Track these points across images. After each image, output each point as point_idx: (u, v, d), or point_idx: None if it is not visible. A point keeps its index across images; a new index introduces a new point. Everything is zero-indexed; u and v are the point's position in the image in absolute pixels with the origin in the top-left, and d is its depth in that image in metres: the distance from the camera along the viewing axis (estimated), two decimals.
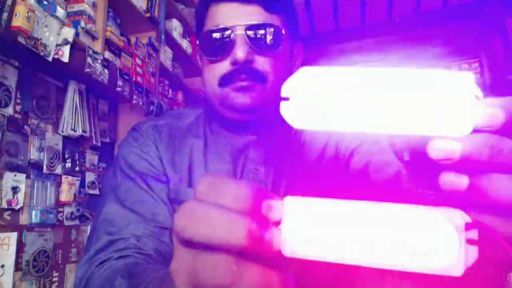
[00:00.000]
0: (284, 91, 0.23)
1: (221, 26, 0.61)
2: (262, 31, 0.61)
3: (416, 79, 0.21)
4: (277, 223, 0.22)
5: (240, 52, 0.59)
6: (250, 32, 0.60)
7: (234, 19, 0.61)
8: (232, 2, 0.62)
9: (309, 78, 0.23)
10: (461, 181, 0.21)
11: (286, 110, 0.23)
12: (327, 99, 0.22)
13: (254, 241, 0.21)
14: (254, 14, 0.61)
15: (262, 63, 0.61)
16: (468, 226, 0.20)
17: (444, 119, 0.20)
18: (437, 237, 0.20)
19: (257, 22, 0.61)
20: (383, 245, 0.20)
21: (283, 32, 0.63)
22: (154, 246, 0.56)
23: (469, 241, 0.20)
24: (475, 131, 0.21)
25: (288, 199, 0.22)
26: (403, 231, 0.20)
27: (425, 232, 0.20)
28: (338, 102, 0.22)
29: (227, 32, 0.60)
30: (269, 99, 0.63)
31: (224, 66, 0.62)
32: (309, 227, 0.21)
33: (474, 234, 0.20)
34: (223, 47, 0.61)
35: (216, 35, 0.61)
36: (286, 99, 0.23)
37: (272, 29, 0.61)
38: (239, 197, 0.22)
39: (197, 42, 0.73)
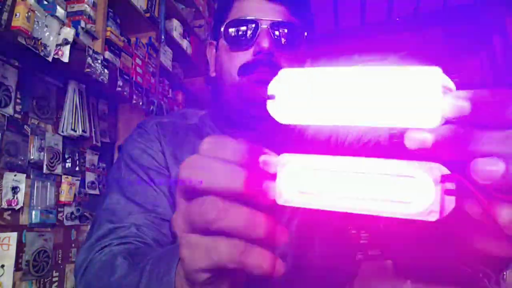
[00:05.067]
0: (270, 90, 0.25)
1: (248, 18, 0.63)
2: (285, 30, 0.63)
3: (389, 76, 0.23)
4: (273, 176, 0.24)
5: (265, 42, 0.61)
6: (274, 28, 0.62)
7: (261, 13, 0.63)
8: None
9: (292, 78, 0.25)
10: (498, 168, 0.21)
11: (272, 108, 0.25)
12: (308, 97, 0.25)
13: (251, 189, 0.23)
14: (280, 12, 0.63)
15: (281, 59, 0.63)
16: (445, 178, 0.22)
17: (415, 112, 0.22)
18: (416, 187, 0.22)
19: (282, 20, 0.63)
20: (367, 194, 0.23)
21: (305, 34, 0.65)
22: (154, 236, 0.57)
23: (447, 192, 0.22)
24: (447, 122, 0.23)
25: (283, 155, 0.24)
26: (386, 182, 0.22)
27: (406, 183, 0.22)
28: (318, 99, 0.24)
29: (253, 25, 0.62)
30: None
31: (246, 56, 0.63)
32: (301, 179, 0.24)
33: (451, 185, 0.22)
34: (247, 37, 0.63)
35: (241, 25, 0.63)
36: (272, 97, 0.25)
37: (295, 30, 0.64)
38: (238, 151, 0.25)
39: (211, 36, 0.75)
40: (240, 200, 0.24)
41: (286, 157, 0.24)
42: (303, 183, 0.24)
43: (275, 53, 0.62)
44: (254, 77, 0.62)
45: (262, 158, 0.25)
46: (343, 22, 4.03)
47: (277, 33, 0.62)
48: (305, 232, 0.67)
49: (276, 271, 0.24)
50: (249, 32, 0.62)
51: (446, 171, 0.22)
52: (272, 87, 0.25)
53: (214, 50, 0.72)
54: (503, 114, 0.22)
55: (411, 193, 0.22)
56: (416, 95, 0.22)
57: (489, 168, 0.21)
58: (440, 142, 0.22)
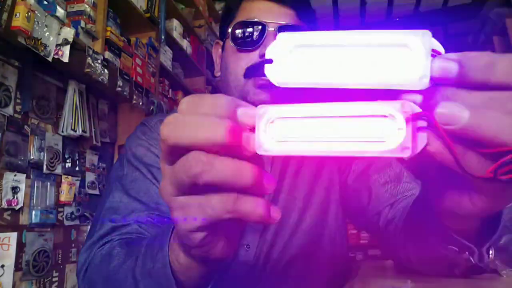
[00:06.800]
0: (268, 54, 0.26)
1: (255, 20, 0.63)
2: None
3: (381, 39, 0.24)
4: (252, 128, 0.25)
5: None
6: (281, 31, 0.61)
7: (269, 16, 0.63)
8: (268, 1, 0.64)
9: (289, 42, 0.26)
10: (461, 114, 0.22)
11: (270, 71, 0.26)
12: (304, 60, 0.25)
13: (233, 139, 0.23)
14: (287, 16, 0.64)
15: None
16: (417, 116, 0.22)
17: (405, 74, 0.23)
18: (388, 126, 0.22)
19: (289, 23, 0.63)
20: (343, 136, 0.23)
21: None
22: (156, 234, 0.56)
23: (418, 129, 0.22)
24: (436, 84, 0.23)
25: (260, 106, 0.25)
26: (360, 123, 0.23)
27: (379, 122, 0.23)
28: (313, 61, 0.25)
29: (260, 27, 0.62)
30: None
31: (252, 58, 0.63)
32: (279, 129, 0.24)
33: (423, 123, 0.23)
34: (254, 39, 0.63)
35: (249, 27, 0.63)
36: (270, 61, 0.26)
37: None
38: (216, 105, 0.25)
39: (220, 36, 0.74)
40: (223, 152, 0.24)
41: (264, 108, 0.25)
42: (281, 132, 0.24)
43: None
44: (259, 80, 0.62)
45: (240, 110, 0.25)
46: (343, 22, 4.03)
47: None
48: (313, 235, 0.67)
49: (272, 218, 0.25)
50: (256, 34, 0.62)
51: (417, 109, 0.22)
52: (270, 51, 0.26)
53: (220, 50, 0.72)
54: (488, 76, 0.22)
55: (385, 132, 0.22)
56: (406, 57, 0.23)
57: (452, 112, 0.21)
58: (428, 103, 0.23)
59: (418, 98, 0.23)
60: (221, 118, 0.24)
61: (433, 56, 0.23)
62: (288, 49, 0.26)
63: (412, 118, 0.22)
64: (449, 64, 0.22)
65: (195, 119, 0.24)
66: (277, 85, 0.26)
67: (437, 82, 0.23)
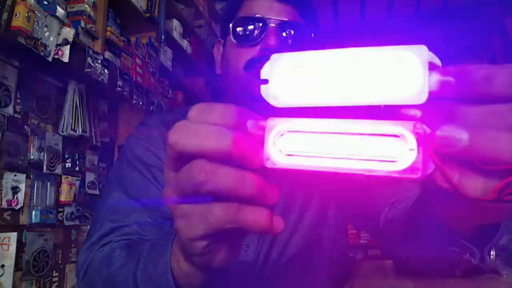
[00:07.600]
0: (263, 74, 0.26)
1: (256, 16, 0.64)
2: (292, 30, 0.64)
3: (377, 55, 0.23)
4: (261, 139, 0.25)
5: (272, 40, 0.61)
6: (282, 28, 0.63)
7: (269, 12, 0.64)
8: None
9: (283, 62, 0.26)
10: (460, 137, 0.21)
11: (266, 92, 0.26)
12: (300, 79, 0.25)
13: (239, 150, 0.23)
14: (288, 13, 0.64)
15: None
16: (429, 137, 0.22)
17: (403, 90, 0.23)
18: (400, 145, 0.22)
19: (290, 20, 0.64)
20: (353, 153, 0.23)
21: (312, 35, 0.66)
22: (155, 234, 0.56)
23: (429, 151, 0.22)
24: (434, 98, 0.23)
25: (271, 118, 0.25)
26: (371, 141, 0.23)
27: (391, 141, 0.22)
28: (309, 81, 0.25)
29: (260, 23, 0.63)
30: None
31: (252, 53, 0.64)
32: (288, 142, 0.24)
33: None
34: (255, 35, 0.63)
35: (250, 23, 0.64)
36: (266, 81, 0.26)
37: (302, 30, 0.65)
38: (226, 114, 0.25)
39: (220, 34, 0.75)
40: (229, 162, 0.24)
41: (273, 121, 0.25)
42: (290, 145, 0.24)
43: (281, 52, 0.62)
44: (260, 72, 0.62)
45: (250, 121, 0.25)
46: (343, 22, 4.03)
47: (284, 34, 0.63)
48: (312, 234, 0.67)
49: (275, 227, 0.24)
50: (256, 31, 0.63)
51: (428, 130, 0.22)
52: (265, 72, 0.26)
53: (222, 48, 0.73)
54: (487, 89, 0.22)
55: (395, 151, 0.22)
56: (404, 72, 0.23)
57: (451, 135, 0.21)
58: (428, 118, 0.23)
59: (418, 113, 0.23)
60: (229, 128, 0.24)
61: (430, 69, 0.22)
62: (283, 69, 0.25)
63: (424, 140, 0.22)
64: (447, 78, 0.22)
65: (203, 127, 0.24)
66: (275, 106, 0.25)
67: (435, 96, 0.23)
